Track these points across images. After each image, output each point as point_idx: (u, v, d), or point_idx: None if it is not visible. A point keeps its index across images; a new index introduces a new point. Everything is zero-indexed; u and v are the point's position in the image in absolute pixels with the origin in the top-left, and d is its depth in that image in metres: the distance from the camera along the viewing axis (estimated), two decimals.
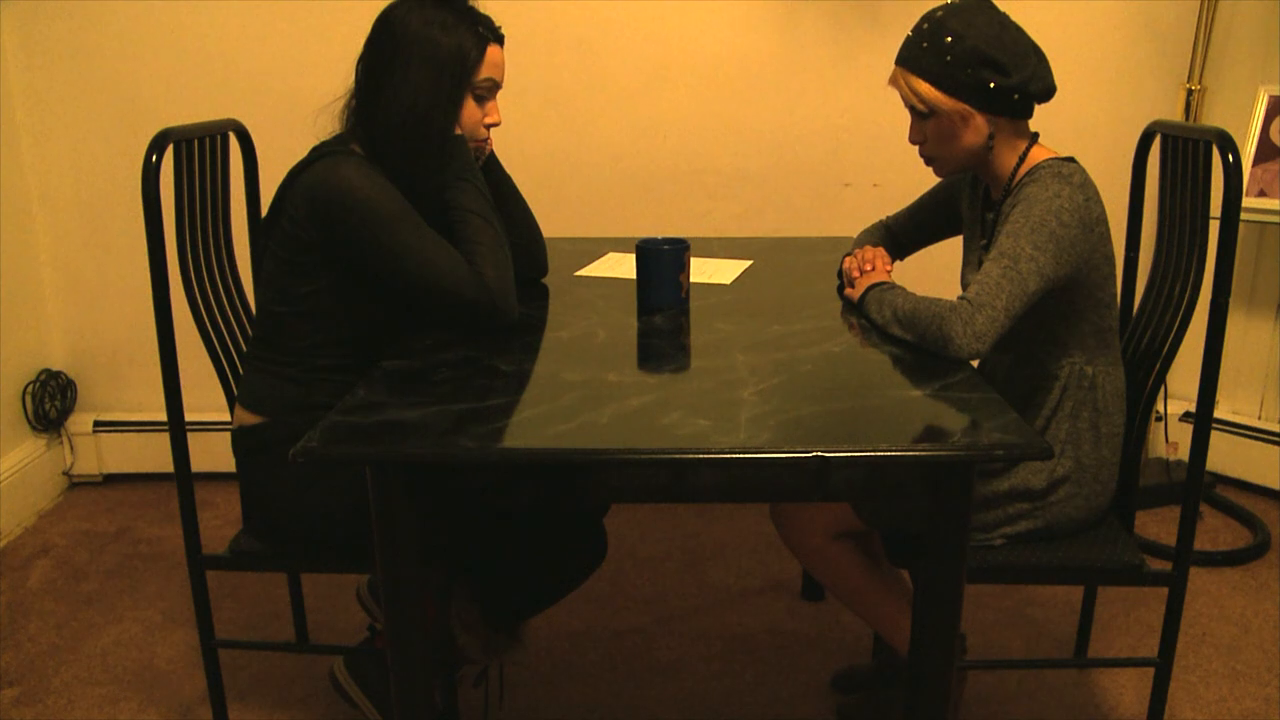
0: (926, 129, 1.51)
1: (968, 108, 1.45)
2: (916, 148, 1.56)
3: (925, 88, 1.46)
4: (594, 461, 1.10)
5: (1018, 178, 1.50)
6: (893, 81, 1.51)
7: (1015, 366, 1.56)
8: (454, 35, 1.48)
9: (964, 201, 1.71)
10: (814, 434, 1.10)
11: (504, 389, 1.26)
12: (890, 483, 1.15)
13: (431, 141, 1.51)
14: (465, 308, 1.48)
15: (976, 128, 1.48)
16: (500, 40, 1.55)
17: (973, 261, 1.63)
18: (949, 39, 1.42)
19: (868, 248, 1.71)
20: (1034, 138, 1.53)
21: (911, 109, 1.50)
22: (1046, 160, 1.48)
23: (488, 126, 1.58)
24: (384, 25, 1.50)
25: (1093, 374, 1.51)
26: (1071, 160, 1.47)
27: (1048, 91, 1.48)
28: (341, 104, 1.56)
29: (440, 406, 1.19)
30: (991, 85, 1.43)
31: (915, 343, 1.41)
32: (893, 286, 1.51)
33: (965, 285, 1.62)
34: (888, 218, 1.87)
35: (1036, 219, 1.39)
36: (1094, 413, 1.52)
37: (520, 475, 1.15)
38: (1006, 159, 1.52)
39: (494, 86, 1.56)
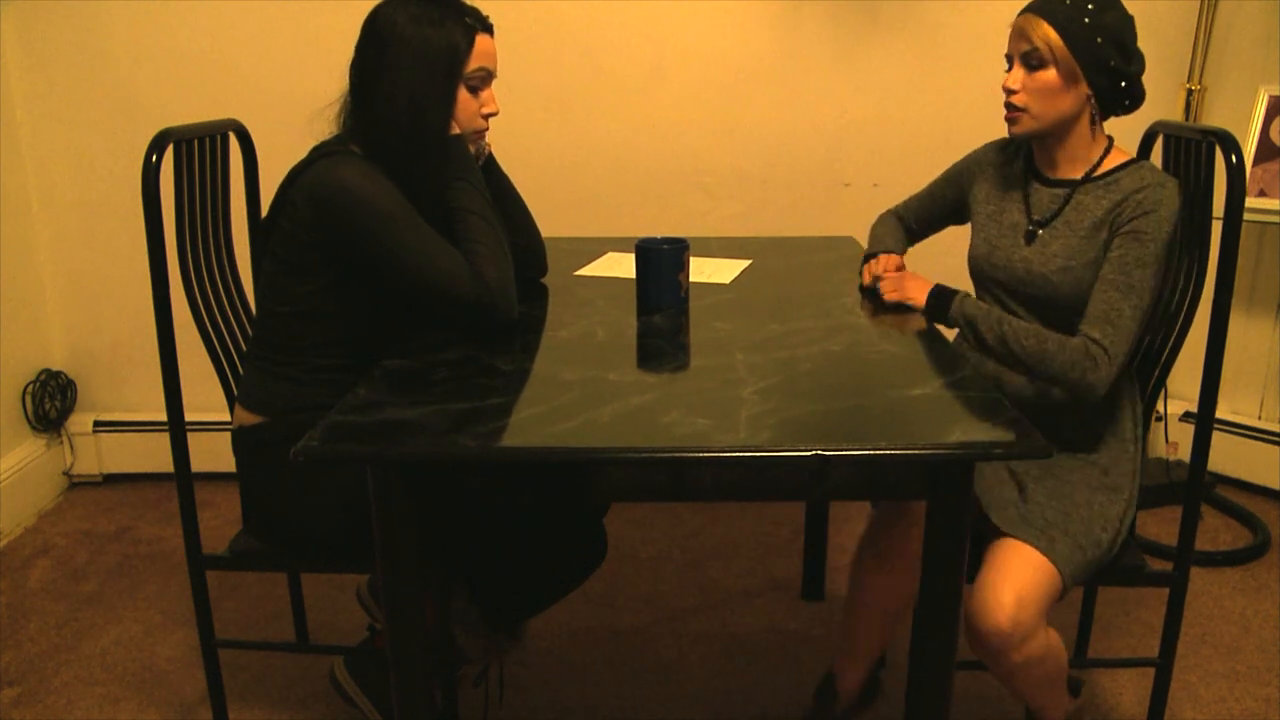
0: (1030, 80, 1.50)
1: (1080, 73, 1.47)
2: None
3: (1055, 38, 1.46)
4: (594, 460, 1.10)
5: (1105, 167, 1.53)
6: (1019, 25, 1.50)
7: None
8: (442, 29, 1.48)
9: (988, 175, 1.70)
10: (814, 433, 1.10)
11: (504, 388, 1.26)
12: (890, 482, 1.15)
13: (429, 137, 1.51)
14: (465, 307, 1.48)
15: (1078, 95, 1.49)
16: (489, 29, 1.54)
17: (1007, 231, 1.62)
18: (1091, 6, 1.45)
19: (881, 257, 1.74)
20: (1109, 137, 1.56)
21: (1024, 55, 1.49)
22: (1147, 164, 1.52)
23: (485, 116, 1.58)
24: (372, 26, 1.50)
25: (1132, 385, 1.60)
26: (1149, 163, 1.53)
27: (1140, 98, 1.51)
28: (337, 107, 1.56)
29: (440, 406, 1.19)
30: (1111, 64, 1.46)
31: (1031, 370, 1.47)
32: (989, 308, 1.53)
33: (988, 258, 1.62)
34: (898, 208, 1.88)
35: (1165, 244, 1.43)
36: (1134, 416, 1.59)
37: (520, 474, 1.15)
38: (1084, 141, 1.54)
39: (487, 76, 1.56)
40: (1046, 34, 1.46)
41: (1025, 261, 1.56)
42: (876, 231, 1.88)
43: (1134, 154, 1.55)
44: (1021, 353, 1.46)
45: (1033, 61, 1.49)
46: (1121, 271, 1.44)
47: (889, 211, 1.90)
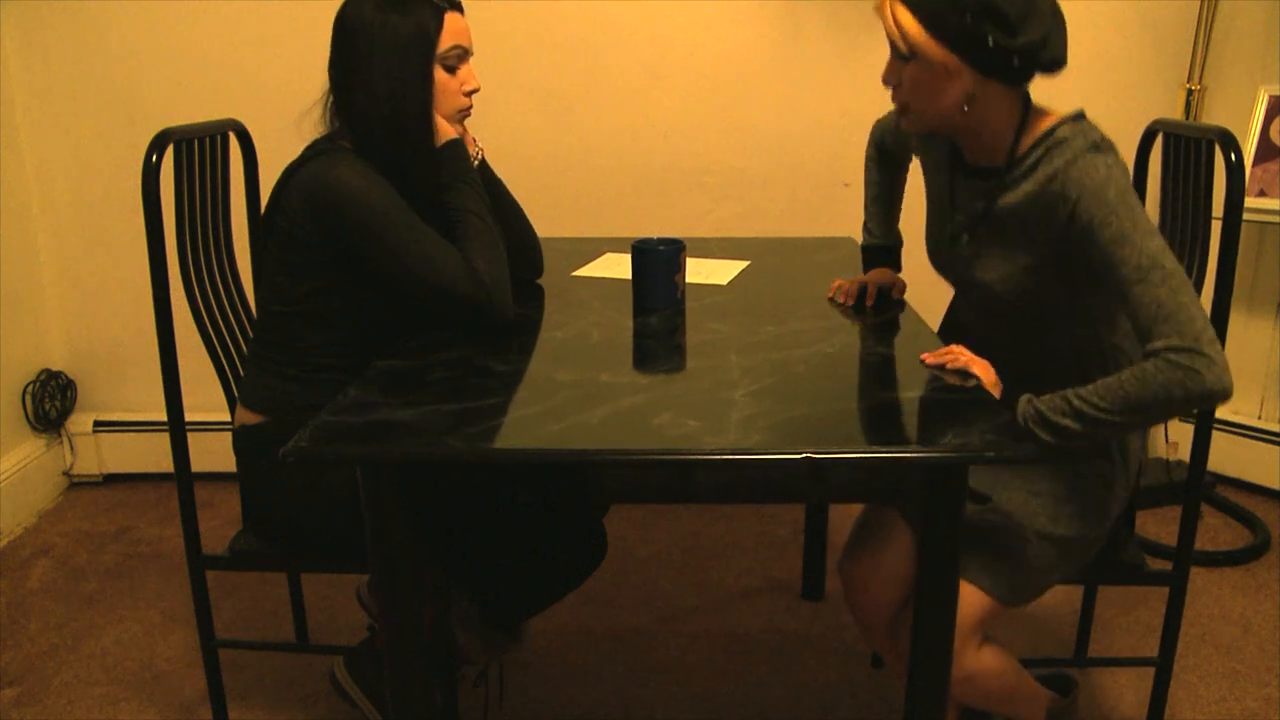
0: (904, 72, 1.28)
1: (956, 60, 1.23)
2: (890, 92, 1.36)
3: (912, 25, 1.23)
4: (581, 462, 1.10)
5: (1022, 148, 1.31)
6: (878, 9, 1.27)
7: (1074, 360, 1.39)
8: (409, 14, 1.49)
9: (920, 146, 1.54)
10: (805, 435, 1.10)
11: (497, 389, 1.26)
12: (886, 484, 1.15)
13: (412, 121, 1.51)
14: (461, 303, 1.48)
15: (962, 86, 1.26)
16: (458, 7, 1.55)
17: (944, 224, 1.45)
18: None
19: (859, 280, 1.64)
20: (1028, 100, 1.32)
21: (892, 45, 1.28)
22: (1060, 126, 1.27)
23: (468, 94, 1.58)
24: (341, 24, 1.51)
25: (1129, 349, 1.39)
26: (1082, 116, 1.29)
27: (1056, 62, 1.26)
28: (320, 110, 1.56)
29: (434, 406, 1.19)
30: (990, 42, 1.21)
31: (1140, 421, 1.19)
32: (1045, 398, 1.24)
33: (934, 253, 1.50)
34: (884, 131, 1.72)
35: (1124, 208, 1.19)
36: None
37: (512, 475, 1.15)
38: (998, 125, 1.31)
39: (463, 54, 1.55)
40: (902, 20, 1.23)
41: (965, 265, 1.42)
42: (868, 203, 1.75)
43: (1062, 114, 1.30)
44: (1118, 414, 1.18)
45: (899, 52, 1.26)
46: (1118, 265, 1.19)
47: (872, 146, 1.74)
